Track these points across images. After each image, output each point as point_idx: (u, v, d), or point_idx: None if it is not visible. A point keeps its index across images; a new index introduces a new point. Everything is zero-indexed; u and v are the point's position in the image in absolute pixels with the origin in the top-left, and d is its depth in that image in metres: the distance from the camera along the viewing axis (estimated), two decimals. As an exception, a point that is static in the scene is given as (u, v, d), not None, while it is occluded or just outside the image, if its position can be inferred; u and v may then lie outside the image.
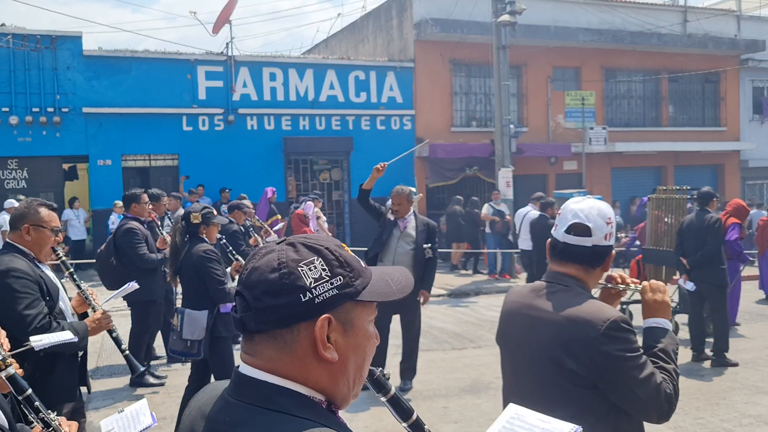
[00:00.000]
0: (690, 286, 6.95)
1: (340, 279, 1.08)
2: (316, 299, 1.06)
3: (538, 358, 2.09)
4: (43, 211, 3.26)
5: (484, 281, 13.54)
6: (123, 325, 6.66)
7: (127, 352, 3.70)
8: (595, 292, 2.23)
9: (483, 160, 16.92)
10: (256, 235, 8.61)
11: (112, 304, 3.55)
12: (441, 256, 14.79)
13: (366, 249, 6.57)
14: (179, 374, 6.64)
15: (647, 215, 9.95)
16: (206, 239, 4.94)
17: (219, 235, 5.44)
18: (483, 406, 5.88)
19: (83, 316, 3.46)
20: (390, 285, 1.16)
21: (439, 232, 15.23)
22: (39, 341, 2.64)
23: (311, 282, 1.06)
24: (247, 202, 9.66)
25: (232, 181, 15.14)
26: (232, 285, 4.91)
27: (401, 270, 1.23)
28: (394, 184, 6.65)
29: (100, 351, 7.78)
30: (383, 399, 1.30)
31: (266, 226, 9.89)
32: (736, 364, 7.13)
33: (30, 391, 2.20)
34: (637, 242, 12.71)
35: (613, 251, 2.20)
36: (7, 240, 3.27)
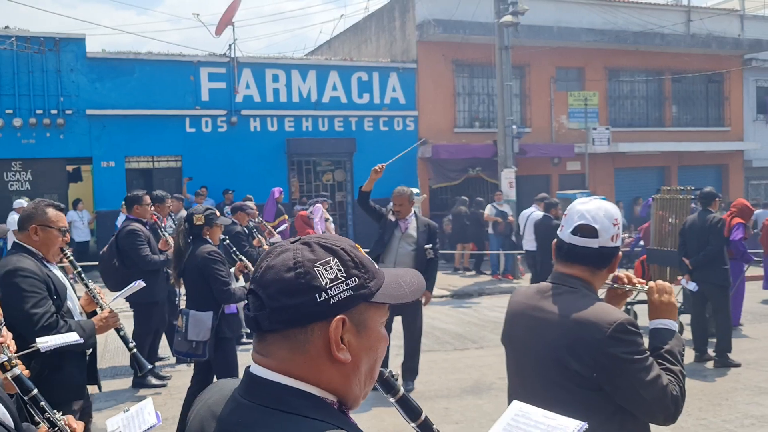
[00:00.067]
0: (692, 286, 6.95)
1: (355, 280, 1.08)
2: (332, 300, 1.06)
3: (543, 359, 2.09)
4: (51, 212, 3.30)
5: (487, 282, 13.52)
6: (125, 326, 6.64)
7: (135, 350, 3.73)
8: (601, 292, 2.22)
9: (486, 161, 16.89)
10: (259, 236, 8.62)
11: (115, 306, 3.58)
12: (444, 257, 14.80)
13: (368, 251, 6.56)
14: (182, 375, 6.65)
15: (651, 215, 9.95)
16: (209, 240, 4.94)
17: (222, 236, 5.45)
18: (485, 406, 5.88)
19: (91, 314, 3.50)
20: (402, 287, 1.16)
21: (444, 232, 15.26)
22: (45, 342, 2.65)
23: (327, 282, 1.06)
24: (251, 203, 9.67)
25: (235, 182, 15.14)
26: (236, 286, 4.92)
27: (413, 272, 1.23)
28: (397, 185, 6.65)
29: (103, 352, 7.80)
30: (392, 399, 1.30)
31: (270, 227, 9.90)
32: (738, 365, 7.12)
33: (35, 391, 2.22)
34: (642, 242, 12.69)
35: (620, 252, 2.20)
36: (15, 240, 3.31)
